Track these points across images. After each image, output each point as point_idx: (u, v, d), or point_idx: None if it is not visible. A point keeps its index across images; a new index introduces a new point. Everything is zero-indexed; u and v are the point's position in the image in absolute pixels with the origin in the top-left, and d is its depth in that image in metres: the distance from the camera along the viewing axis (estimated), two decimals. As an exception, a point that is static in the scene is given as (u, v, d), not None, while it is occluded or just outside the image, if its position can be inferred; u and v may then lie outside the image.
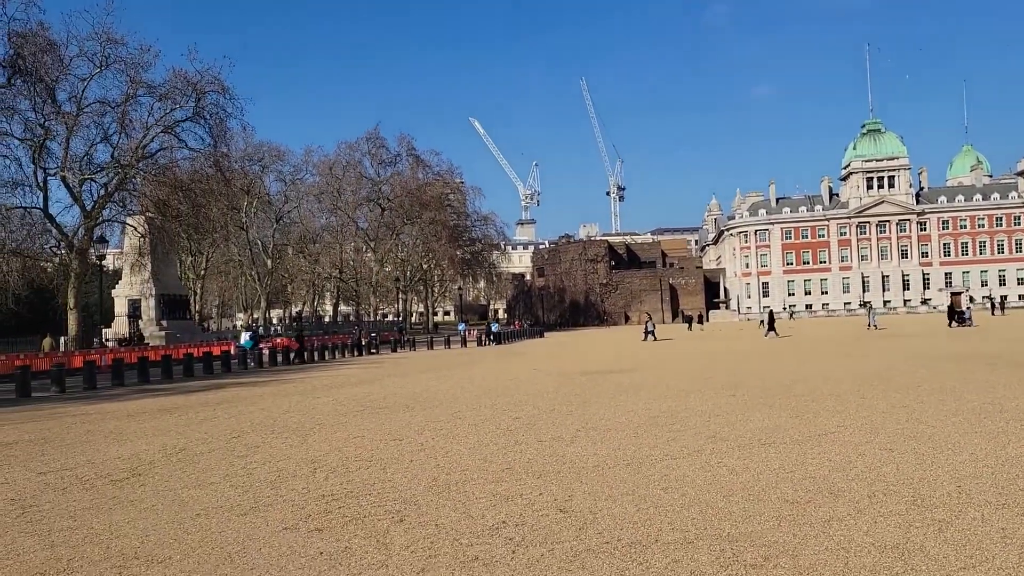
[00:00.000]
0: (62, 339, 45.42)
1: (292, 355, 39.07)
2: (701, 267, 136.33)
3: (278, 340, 50.06)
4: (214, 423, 14.74)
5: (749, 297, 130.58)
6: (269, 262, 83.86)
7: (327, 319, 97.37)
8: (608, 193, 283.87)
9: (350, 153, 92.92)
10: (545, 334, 74.07)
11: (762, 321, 61.24)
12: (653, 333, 50.56)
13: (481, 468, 9.22)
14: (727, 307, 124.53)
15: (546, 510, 7.09)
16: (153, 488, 8.70)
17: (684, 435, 11.10)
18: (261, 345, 40.58)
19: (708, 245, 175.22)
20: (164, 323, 49.77)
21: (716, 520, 6.52)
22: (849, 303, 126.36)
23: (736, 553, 5.61)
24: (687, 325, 79.42)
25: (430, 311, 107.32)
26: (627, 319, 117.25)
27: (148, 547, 6.26)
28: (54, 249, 51.00)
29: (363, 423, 13.87)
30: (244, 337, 38.61)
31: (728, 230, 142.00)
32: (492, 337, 58.65)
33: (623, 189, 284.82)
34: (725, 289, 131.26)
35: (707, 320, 79.22)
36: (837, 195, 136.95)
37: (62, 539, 6.61)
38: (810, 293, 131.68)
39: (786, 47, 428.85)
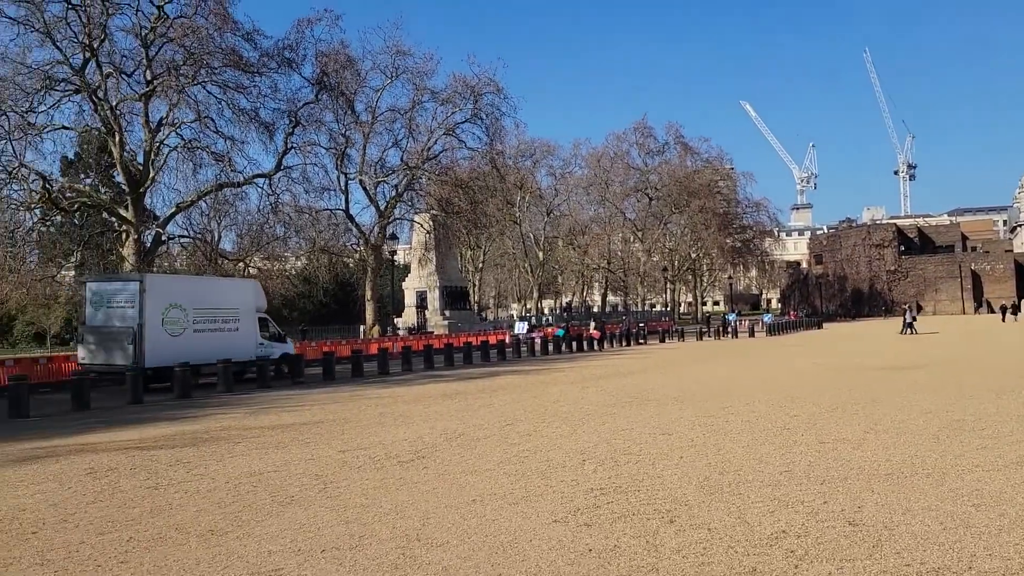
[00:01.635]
0: (375, 327, 50.35)
1: (594, 343, 41.69)
2: (1011, 250, 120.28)
3: (548, 329, 51.59)
4: (490, 409, 15.38)
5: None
6: (541, 254, 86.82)
7: (596, 309, 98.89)
8: (896, 172, 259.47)
9: (618, 144, 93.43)
10: (824, 325, 69.44)
11: None
12: (912, 326, 45.66)
13: (756, 469, 8.69)
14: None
15: (832, 521, 6.47)
16: (435, 471, 9.18)
17: (998, 443, 9.70)
18: (533, 334, 42.11)
19: (1020, 226, 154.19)
20: (447, 313, 53.37)
21: (1046, 549, 5.54)
22: None
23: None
24: (1000, 315, 70.43)
25: (699, 301, 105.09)
26: (919, 309, 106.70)
27: (428, 530, 6.56)
28: (354, 246, 56.47)
29: (631, 415, 13.74)
30: (519, 326, 40.25)
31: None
32: (764, 328, 56.09)
33: (914, 167, 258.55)
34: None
35: (1021, 311, 69.67)
36: None
37: (355, 516, 7.14)
38: None
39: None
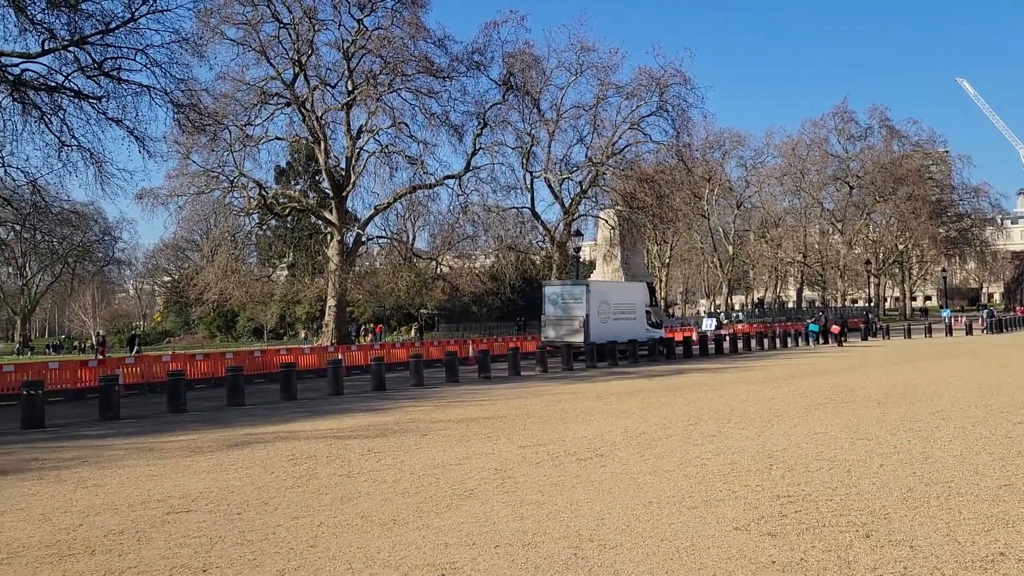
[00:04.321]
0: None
1: (831, 339, 41.06)
2: None
3: (739, 326, 49.82)
4: (673, 408, 15.00)
5: None
6: (730, 248, 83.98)
7: (790, 305, 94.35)
8: None
9: (814, 131, 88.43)
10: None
11: None
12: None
13: (970, 482, 7.84)
14: None
15: (1061, 545, 5.68)
16: (612, 470, 9.02)
17: None
18: (722, 331, 40.83)
19: None
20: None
21: None
22: None
23: None
24: None
25: (907, 296, 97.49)
26: None
27: (602, 531, 6.43)
28: (540, 243, 57.26)
29: (826, 418, 12.89)
30: (707, 323, 39.25)
31: None
32: (988, 325, 51.11)
33: None
34: None
35: None
36: None
37: (530, 512, 7.14)
38: None
39: None
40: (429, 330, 66.81)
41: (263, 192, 45.59)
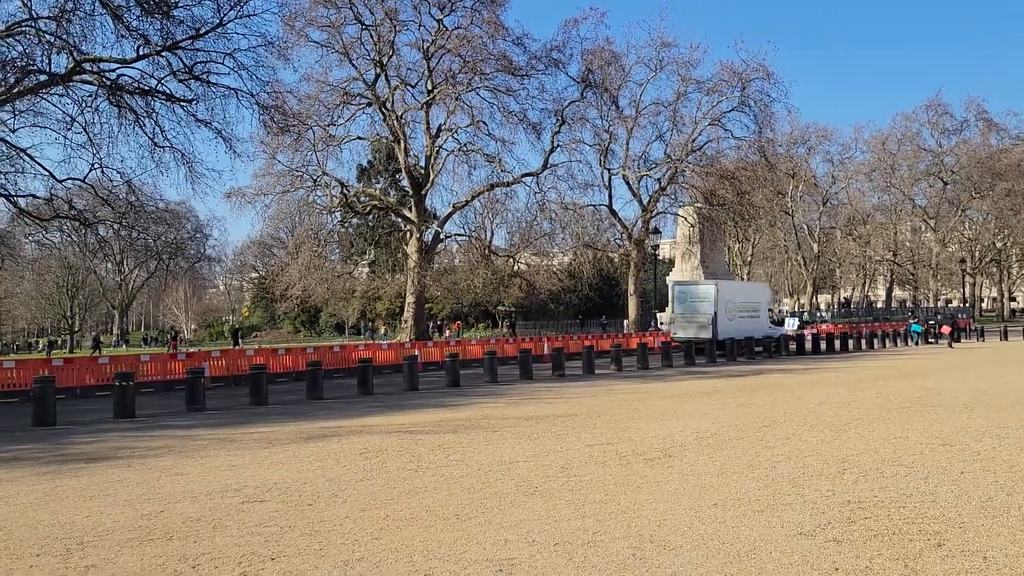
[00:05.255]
0: (625, 322, 50.59)
1: (939, 339, 41.72)
2: None
3: (823, 326, 48.47)
4: (748, 409, 14.73)
5: None
6: (815, 246, 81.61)
7: (879, 305, 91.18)
8: None
9: (906, 125, 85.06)
10: None
11: None
12: None
13: (1057, 493, 7.48)
14: None
15: None
16: (679, 471, 8.95)
17: None
18: (805, 331, 39.86)
19: None
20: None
21: None
22: None
23: None
24: None
25: (1005, 296, 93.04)
26: None
27: (663, 532, 6.39)
28: (618, 241, 56.88)
29: (908, 422, 12.46)
30: (789, 323, 38.45)
31: None
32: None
33: None
34: None
35: None
36: None
37: (592, 511, 7.15)
38: None
39: None
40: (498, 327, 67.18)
41: (345, 191, 46.62)
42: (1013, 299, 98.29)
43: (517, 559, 5.75)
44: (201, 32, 27.33)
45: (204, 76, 27.99)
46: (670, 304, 35.83)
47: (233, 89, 28.73)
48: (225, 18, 27.59)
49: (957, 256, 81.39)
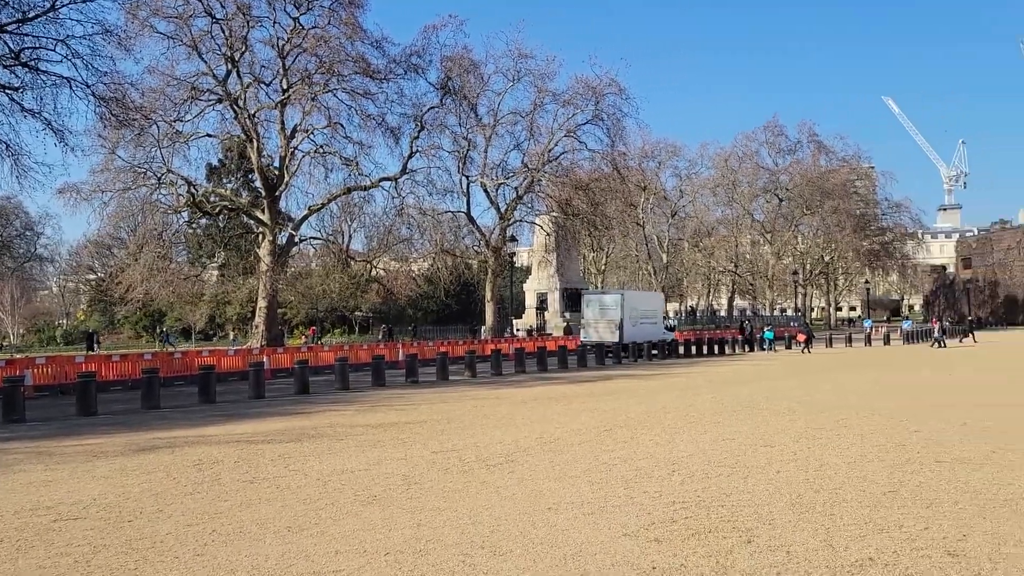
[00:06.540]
0: (482, 328, 50.96)
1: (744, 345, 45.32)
2: None
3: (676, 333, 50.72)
4: (592, 415, 15.16)
5: None
6: (665, 256, 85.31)
7: (722, 313, 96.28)
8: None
9: (746, 144, 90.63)
10: (974, 333, 64.72)
11: None
12: (940, 341, 44.26)
13: (858, 488, 8.13)
14: None
15: (929, 550, 5.94)
16: (519, 476, 9.09)
17: None
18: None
19: None
20: (566, 315, 53.28)
21: None
22: None
23: None
24: None
25: (832, 306, 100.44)
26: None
27: (496, 537, 6.48)
28: (476, 248, 57.32)
29: (737, 425, 13.21)
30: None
31: None
32: (902, 336, 52.98)
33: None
34: None
35: None
36: None
37: (428, 519, 7.15)
38: None
39: None
40: (364, 332, 66.23)
41: (193, 190, 44.58)
42: (839, 308, 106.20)
43: (345, 570, 5.67)
44: (30, 16, 25.44)
45: (32, 63, 26.04)
46: (582, 311, 39.70)
47: (66, 78, 26.91)
48: (58, 2, 25.80)
49: (790, 268, 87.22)
